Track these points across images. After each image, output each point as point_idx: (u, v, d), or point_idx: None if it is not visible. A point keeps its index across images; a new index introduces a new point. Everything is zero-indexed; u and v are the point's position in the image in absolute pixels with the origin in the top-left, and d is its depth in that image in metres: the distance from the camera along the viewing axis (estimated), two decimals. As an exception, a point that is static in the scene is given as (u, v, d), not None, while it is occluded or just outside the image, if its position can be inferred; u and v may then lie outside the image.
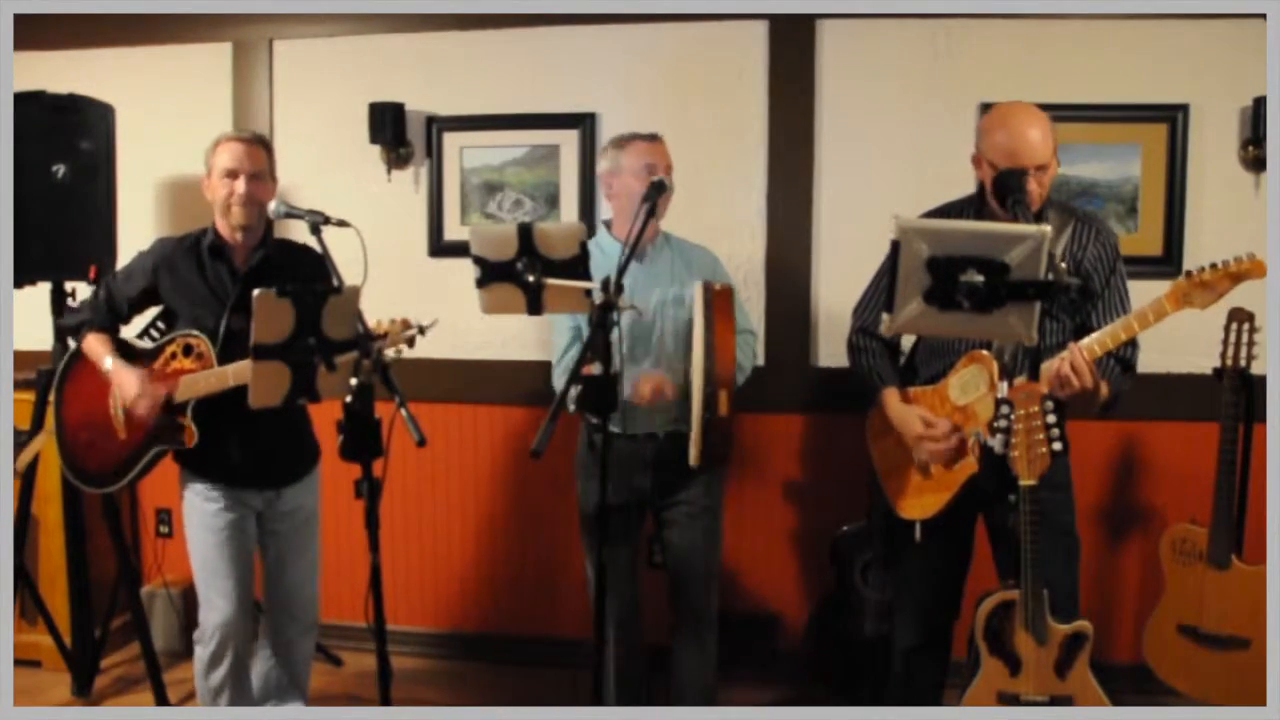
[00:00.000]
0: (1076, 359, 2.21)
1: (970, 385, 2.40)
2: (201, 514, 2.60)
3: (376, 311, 2.40)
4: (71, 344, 2.70)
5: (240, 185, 2.53)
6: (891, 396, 2.53)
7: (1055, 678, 2.25)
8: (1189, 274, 2.18)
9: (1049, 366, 2.24)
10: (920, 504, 2.50)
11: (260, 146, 2.59)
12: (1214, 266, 2.16)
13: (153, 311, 2.66)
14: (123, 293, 2.61)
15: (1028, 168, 2.28)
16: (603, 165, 2.74)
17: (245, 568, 2.64)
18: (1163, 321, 2.21)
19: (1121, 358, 2.39)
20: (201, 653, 2.65)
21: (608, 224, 2.81)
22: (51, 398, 3.02)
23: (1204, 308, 2.20)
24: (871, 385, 2.58)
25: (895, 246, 1.97)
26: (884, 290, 2.48)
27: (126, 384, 2.51)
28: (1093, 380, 2.23)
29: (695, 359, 2.48)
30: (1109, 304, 2.42)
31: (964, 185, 3.30)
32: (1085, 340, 2.24)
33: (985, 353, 2.37)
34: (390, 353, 2.25)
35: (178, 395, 2.50)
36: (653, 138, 2.71)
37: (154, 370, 2.55)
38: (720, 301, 2.52)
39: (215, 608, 2.61)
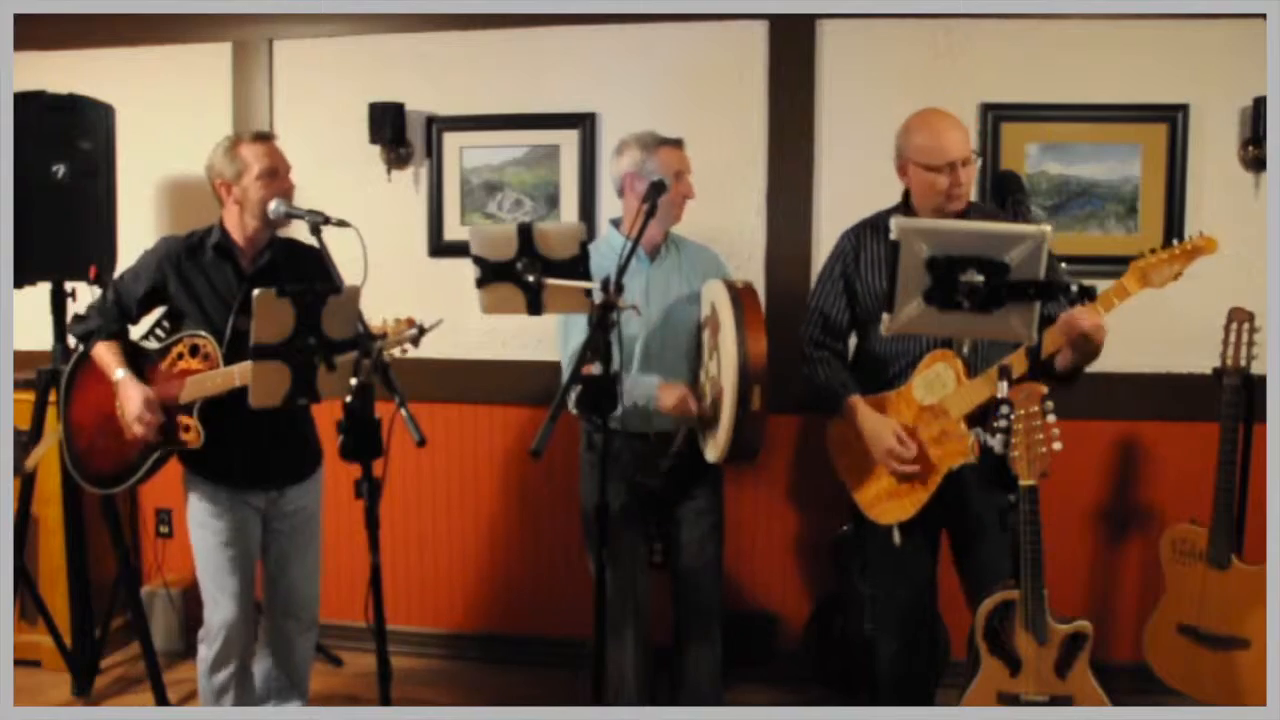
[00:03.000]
0: (1097, 316, 2.21)
1: (935, 384, 2.42)
2: (204, 514, 2.60)
3: (377, 311, 2.40)
4: (79, 347, 2.70)
5: (286, 183, 2.56)
6: (860, 405, 2.53)
7: (1055, 678, 2.25)
8: (1142, 255, 2.24)
9: (1072, 318, 2.21)
10: (898, 507, 2.51)
11: (278, 144, 2.61)
12: (1167, 246, 2.24)
13: (159, 311, 2.66)
14: (131, 293, 2.60)
15: (955, 161, 2.39)
16: (624, 164, 2.68)
17: (248, 567, 2.65)
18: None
19: None
20: (205, 653, 2.65)
21: (616, 222, 2.79)
22: (54, 399, 3.04)
23: (1161, 285, 2.23)
24: (833, 395, 2.58)
25: (895, 246, 1.98)
26: (827, 297, 2.62)
27: (129, 404, 2.51)
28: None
29: (726, 356, 2.47)
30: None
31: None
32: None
33: (948, 350, 2.40)
34: (395, 352, 2.25)
35: (184, 396, 2.50)
36: (678, 143, 2.70)
37: (160, 371, 2.55)
38: (747, 298, 2.51)
39: (220, 607, 2.61)
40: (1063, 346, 2.27)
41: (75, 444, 2.69)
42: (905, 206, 2.57)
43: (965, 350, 2.41)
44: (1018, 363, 2.27)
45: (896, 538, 2.51)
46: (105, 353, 2.59)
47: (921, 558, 2.58)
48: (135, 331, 2.68)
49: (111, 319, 2.61)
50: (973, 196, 3.31)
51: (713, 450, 2.59)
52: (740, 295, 2.51)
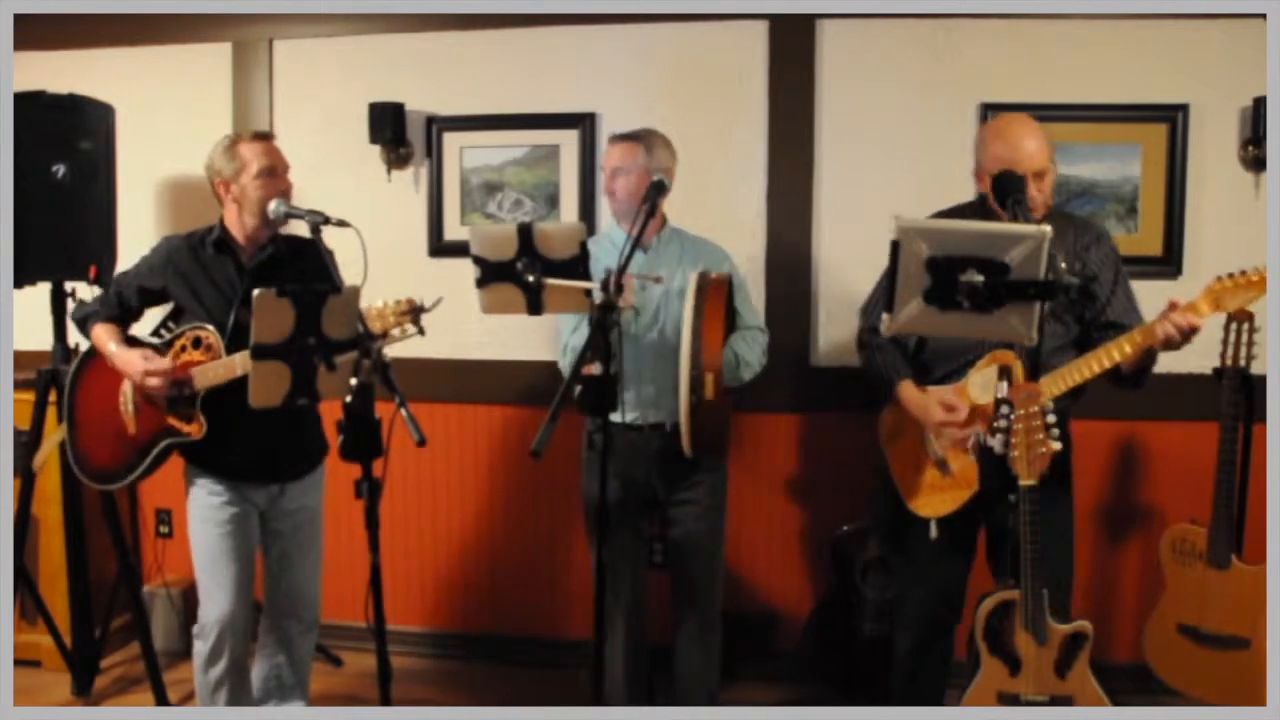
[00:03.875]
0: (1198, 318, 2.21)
1: (992, 384, 2.41)
2: (205, 508, 2.60)
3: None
4: (83, 341, 2.71)
5: (284, 182, 2.57)
6: (909, 388, 2.54)
7: (1055, 678, 2.25)
8: (1220, 278, 2.23)
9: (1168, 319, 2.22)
10: (938, 501, 2.51)
11: (276, 143, 2.62)
12: (1243, 273, 2.22)
13: (165, 310, 2.67)
14: (130, 287, 2.63)
15: (1025, 174, 2.35)
16: None
17: (246, 563, 2.64)
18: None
19: None
20: (201, 647, 2.65)
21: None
22: (54, 399, 3.04)
23: (1232, 310, 2.28)
24: (886, 381, 2.59)
25: (895, 246, 1.97)
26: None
27: (131, 363, 2.50)
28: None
29: (683, 344, 2.48)
30: (1120, 302, 2.47)
31: (964, 185, 3.30)
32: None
33: (1009, 351, 2.38)
34: (396, 333, 2.26)
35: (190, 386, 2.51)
36: (624, 138, 2.72)
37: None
38: (713, 289, 2.51)
39: (215, 602, 2.61)
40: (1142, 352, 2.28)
41: (79, 440, 2.69)
42: (982, 207, 2.56)
43: (1025, 357, 2.39)
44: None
45: (933, 531, 2.51)
46: (102, 332, 2.61)
47: (953, 561, 2.58)
48: (142, 330, 2.69)
49: (112, 309, 2.64)
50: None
51: (683, 443, 2.59)
52: (706, 285, 2.51)
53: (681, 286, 2.74)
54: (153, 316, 2.69)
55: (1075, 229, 2.49)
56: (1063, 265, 2.35)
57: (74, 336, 2.88)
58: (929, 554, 2.55)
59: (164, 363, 2.49)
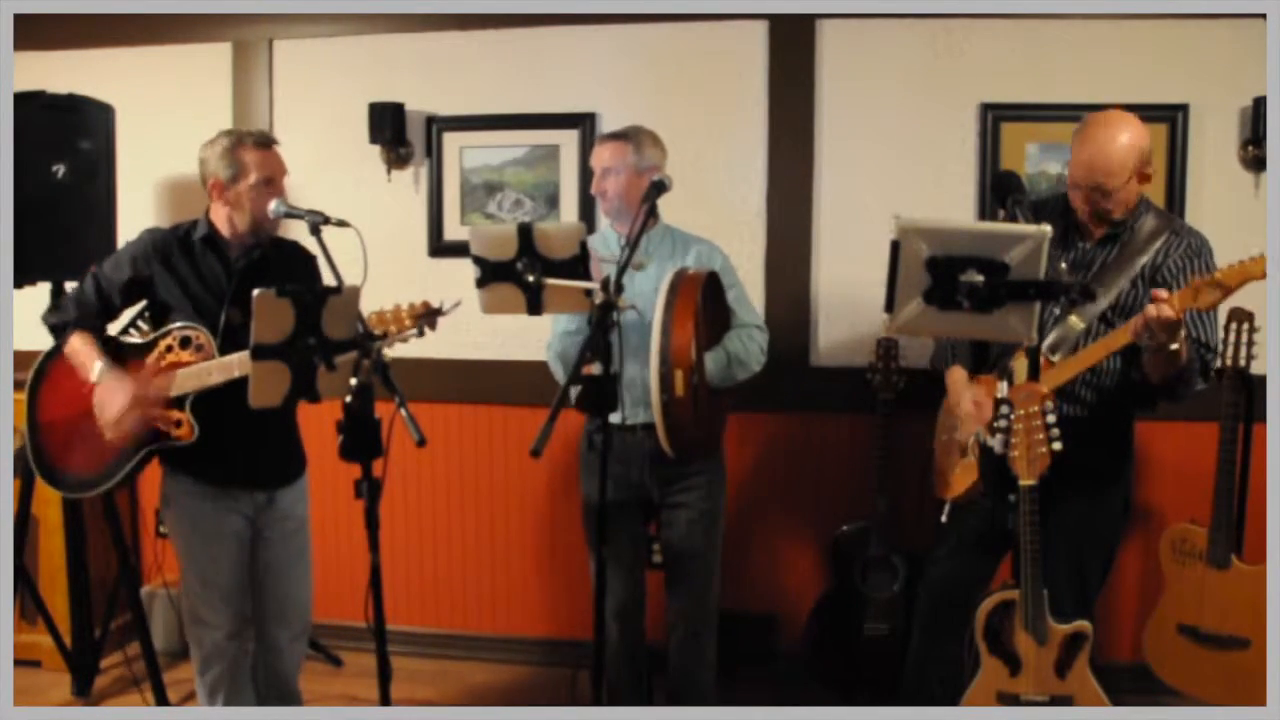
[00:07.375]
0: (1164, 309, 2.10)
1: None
2: (197, 522, 2.54)
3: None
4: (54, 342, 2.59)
5: (279, 189, 2.51)
6: (956, 373, 2.56)
7: (1055, 678, 2.25)
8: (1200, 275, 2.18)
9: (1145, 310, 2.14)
10: (956, 482, 2.53)
11: (278, 149, 2.55)
12: (1219, 270, 2.14)
13: (138, 306, 2.56)
14: (114, 283, 2.50)
15: (1085, 187, 2.32)
16: None
17: (242, 573, 2.59)
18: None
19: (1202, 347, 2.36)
20: (196, 653, 2.59)
21: None
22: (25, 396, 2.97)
23: (1208, 308, 2.18)
24: (943, 363, 2.61)
25: (895, 246, 1.97)
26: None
27: (111, 401, 2.39)
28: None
29: (652, 340, 2.45)
30: (1191, 316, 2.33)
31: (963, 185, 3.32)
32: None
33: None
34: (412, 333, 2.25)
35: (176, 389, 2.41)
36: (612, 137, 2.71)
37: (147, 365, 2.45)
38: (686, 285, 2.49)
39: (211, 623, 2.55)
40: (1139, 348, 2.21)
41: (42, 445, 2.58)
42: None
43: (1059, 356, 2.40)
44: (1019, 364, 2.26)
45: (944, 514, 2.53)
46: (81, 346, 2.48)
47: (975, 558, 2.56)
48: (112, 327, 2.59)
49: (91, 312, 2.52)
50: (972, 204, 3.31)
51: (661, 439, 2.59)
52: (679, 281, 2.49)
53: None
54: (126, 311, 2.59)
55: (1168, 235, 2.38)
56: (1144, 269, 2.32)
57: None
58: (949, 540, 2.57)
59: (147, 400, 2.38)
